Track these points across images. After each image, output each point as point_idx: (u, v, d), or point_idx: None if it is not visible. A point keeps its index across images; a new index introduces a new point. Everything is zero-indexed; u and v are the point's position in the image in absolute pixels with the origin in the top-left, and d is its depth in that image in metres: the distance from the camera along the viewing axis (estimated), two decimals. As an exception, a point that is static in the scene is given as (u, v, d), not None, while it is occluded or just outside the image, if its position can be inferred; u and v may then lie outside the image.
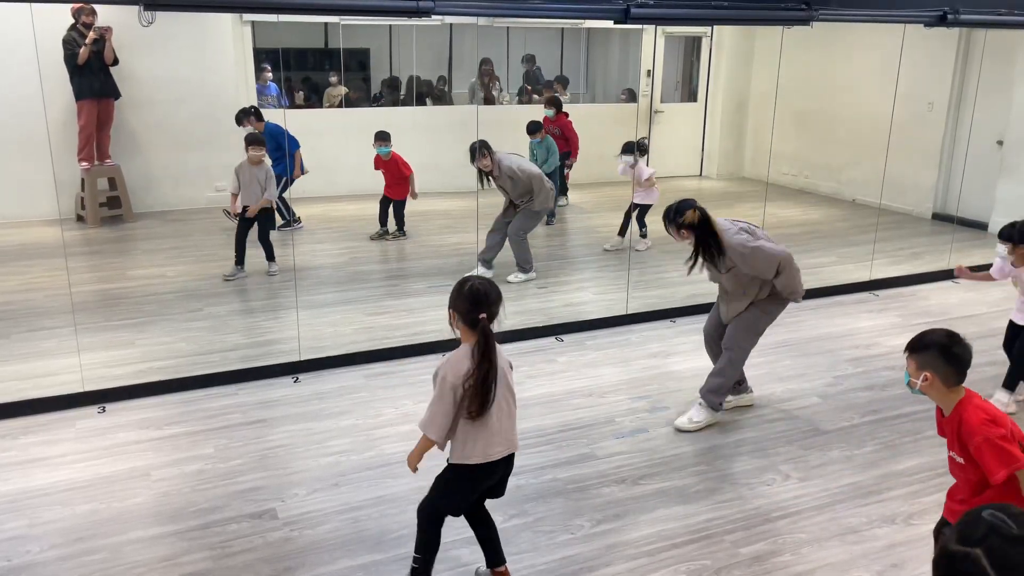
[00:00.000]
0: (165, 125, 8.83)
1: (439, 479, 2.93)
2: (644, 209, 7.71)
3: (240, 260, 6.76)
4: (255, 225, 6.80)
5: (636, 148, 7.62)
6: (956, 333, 2.64)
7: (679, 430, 4.34)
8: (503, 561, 3.09)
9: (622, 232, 7.79)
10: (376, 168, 8.08)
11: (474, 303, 2.74)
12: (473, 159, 6.61)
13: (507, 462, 2.90)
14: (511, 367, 2.91)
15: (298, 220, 8.29)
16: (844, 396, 4.79)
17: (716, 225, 4.10)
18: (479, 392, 2.71)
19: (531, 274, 6.85)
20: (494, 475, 2.89)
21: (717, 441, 4.25)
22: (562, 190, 9.59)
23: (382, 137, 7.96)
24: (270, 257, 6.86)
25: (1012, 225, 4.47)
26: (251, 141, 6.71)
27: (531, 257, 6.88)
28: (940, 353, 2.57)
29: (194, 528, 3.44)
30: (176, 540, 3.36)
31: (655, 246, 7.80)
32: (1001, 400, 4.51)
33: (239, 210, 6.75)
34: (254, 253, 6.87)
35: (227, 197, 7.27)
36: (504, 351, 2.87)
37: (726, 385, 4.42)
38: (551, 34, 12.22)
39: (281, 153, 7.81)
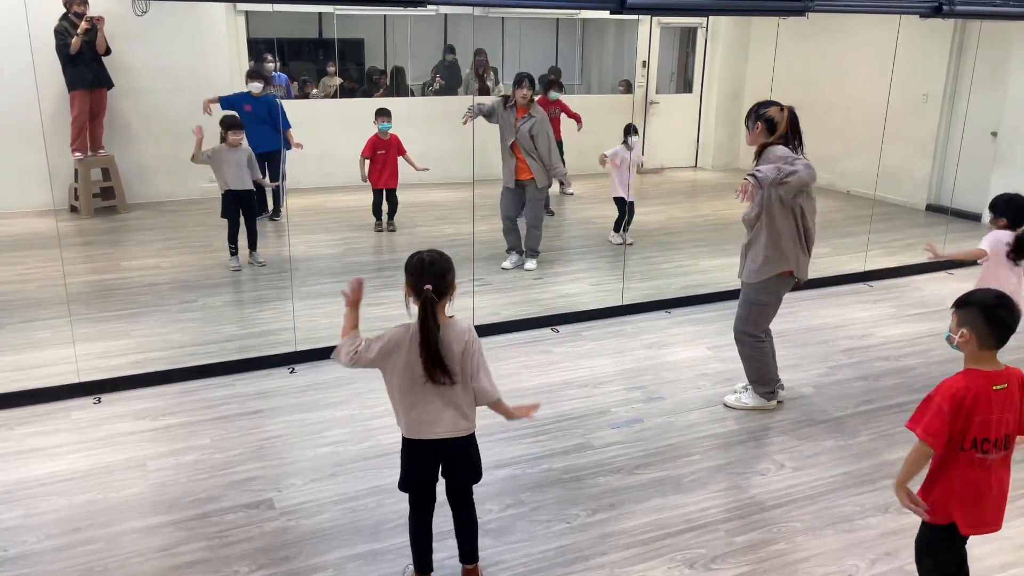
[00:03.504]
0: (158, 115, 8.79)
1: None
2: (630, 205, 7.64)
3: (235, 250, 6.76)
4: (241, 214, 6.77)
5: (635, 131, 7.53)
6: (1007, 296, 2.55)
7: (725, 404, 4.47)
8: (474, 560, 3.04)
9: (625, 228, 7.75)
10: (367, 154, 7.83)
11: (416, 274, 2.71)
12: (521, 85, 6.58)
13: (446, 445, 2.83)
14: (472, 345, 2.79)
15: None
16: (838, 386, 4.82)
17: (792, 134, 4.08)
18: (426, 364, 2.70)
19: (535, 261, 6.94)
20: (429, 453, 2.84)
21: (712, 431, 4.27)
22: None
23: (384, 112, 7.83)
24: (253, 245, 6.84)
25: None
26: (230, 125, 6.57)
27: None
28: (982, 312, 2.48)
29: (191, 518, 3.45)
30: (173, 530, 3.37)
31: (650, 237, 7.81)
32: None
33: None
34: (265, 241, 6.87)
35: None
36: (471, 329, 2.83)
37: (762, 376, 4.41)
38: (546, 24, 12.18)
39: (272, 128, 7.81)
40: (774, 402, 4.47)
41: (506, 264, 6.86)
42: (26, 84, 5.96)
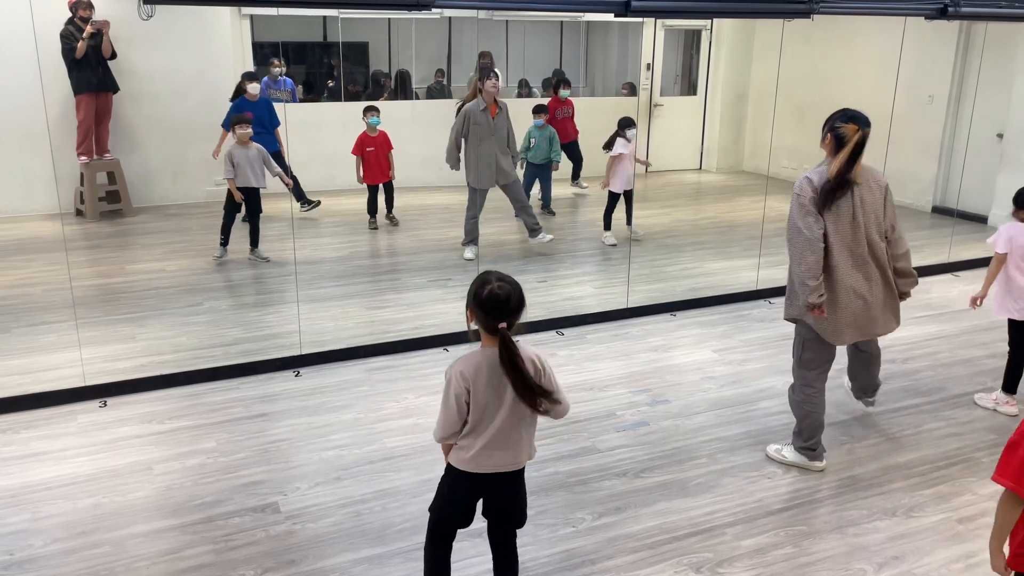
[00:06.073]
0: (164, 119, 8.81)
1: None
2: (629, 195, 7.66)
3: (225, 241, 6.87)
4: (242, 209, 6.88)
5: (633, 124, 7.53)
6: None
7: (766, 454, 4.04)
8: None
9: (629, 221, 7.76)
10: (357, 152, 7.98)
11: (493, 313, 2.48)
12: (490, 77, 6.81)
13: (500, 481, 2.66)
14: (542, 368, 2.60)
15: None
16: (844, 389, 4.79)
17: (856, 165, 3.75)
18: (524, 393, 2.50)
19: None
20: (479, 488, 2.67)
21: (718, 434, 4.26)
22: (575, 176, 9.92)
23: (372, 109, 8.00)
24: (255, 243, 6.95)
25: None
26: (235, 121, 6.72)
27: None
28: None
29: (196, 522, 3.45)
30: (179, 534, 3.37)
31: (655, 240, 7.80)
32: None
33: (241, 196, 6.74)
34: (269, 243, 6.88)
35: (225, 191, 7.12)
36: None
37: (803, 427, 3.90)
38: (550, 27, 12.19)
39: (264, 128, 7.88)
40: (818, 463, 3.90)
41: (468, 255, 7.05)
42: (32, 88, 5.98)
